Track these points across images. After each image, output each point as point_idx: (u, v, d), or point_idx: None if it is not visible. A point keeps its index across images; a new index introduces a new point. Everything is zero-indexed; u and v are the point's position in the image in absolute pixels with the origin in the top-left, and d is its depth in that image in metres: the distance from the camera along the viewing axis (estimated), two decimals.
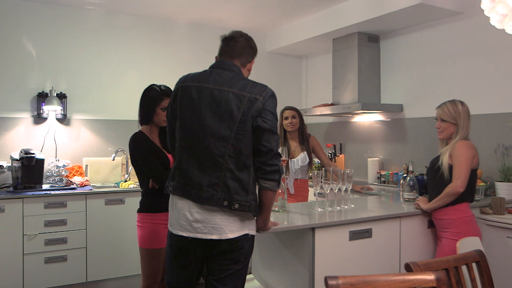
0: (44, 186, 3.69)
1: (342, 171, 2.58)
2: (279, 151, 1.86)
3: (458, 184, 2.41)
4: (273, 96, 1.87)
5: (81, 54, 4.19)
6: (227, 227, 1.80)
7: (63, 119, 4.09)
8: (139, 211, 2.46)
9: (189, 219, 1.83)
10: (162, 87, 2.48)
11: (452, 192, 2.43)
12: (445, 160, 2.50)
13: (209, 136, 1.81)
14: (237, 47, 1.95)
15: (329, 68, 4.65)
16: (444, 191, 2.47)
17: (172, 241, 1.92)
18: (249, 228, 1.87)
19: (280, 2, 4.08)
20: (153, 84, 2.51)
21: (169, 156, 2.47)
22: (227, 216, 1.80)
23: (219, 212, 1.80)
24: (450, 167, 2.48)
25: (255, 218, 1.93)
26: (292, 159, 3.34)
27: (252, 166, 1.82)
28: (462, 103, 2.56)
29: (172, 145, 2.02)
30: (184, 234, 1.84)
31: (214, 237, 1.79)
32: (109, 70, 4.31)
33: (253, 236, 1.90)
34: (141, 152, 2.40)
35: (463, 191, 2.42)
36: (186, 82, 1.92)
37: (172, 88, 2.53)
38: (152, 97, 2.44)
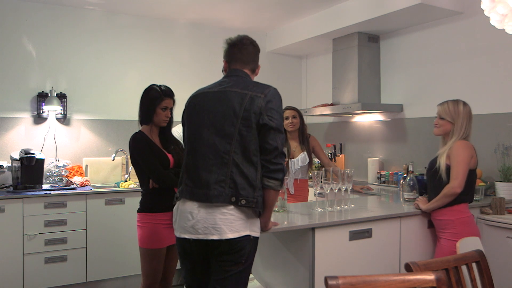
0: (44, 186, 3.69)
1: (342, 171, 2.58)
2: (284, 150, 1.87)
3: (455, 184, 2.41)
4: (277, 95, 1.90)
5: (81, 54, 4.19)
6: (228, 227, 1.79)
7: (63, 119, 4.09)
8: (139, 211, 2.47)
9: (190, 220, 1.83)
10: (162, 87, 2.48)
11: (450, 193, 2.43)
12: (442, 162, 2.50)
13: (213, 135, 1.84)
14: (249, 55, 2.01)
15: (329, 68, 4.65)
16: (442, 192, 2.47)
17: (177, 244, 1.96)
18: (251, 230, 1.86)
19: (280, 2, 4.08)
20: (153, 84, 2.51)
21: (169, 156, 2.47)
22: (228, 216, 1.80)
23: (219, 212, 1.80)
24: (448, 168, 2.48)
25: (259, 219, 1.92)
26: (292, 159, 3.34)
27: (259, 163, 1.83)
28: (464, 103, 2.56)
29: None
30: (186, 236, 1.85)
31: (215, 237, 1.79)
32: (109, 70, 4.31)
33: (256, 238, 1.89)
34: (141, 152, 2.41)
35: (460, 191, 2.42)
36: (193, 94, 2.02)
37: (172, 88, 2.56)
38: (152, 97, 2.44)
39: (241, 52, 2.00)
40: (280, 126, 1.85)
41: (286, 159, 3.01)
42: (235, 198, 1.79)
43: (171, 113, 2.52)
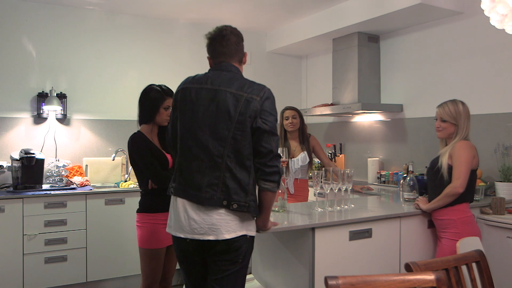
0: (44, 186, 3.69)
1: (342, 171, 2.58)
2: (279, 152, 1.86)
3: (457, 184, 2.41)
4: (271, 96, 1.86)
5: (81, 54, 4.19)
6: (224, 228, 1.79)
7: (63, 119, 4.09)
8: (138, 211, 2.47)
9: (186, 219, 1.83)
10: (163, 87, 2.50)
11: (452, 193, 2.43)
12: (444, 161, 2.50)
13: (207, 136, 1.81)
14: (232, 46, 1.93)
15: (329, 68, 4.65)
16: (444, 191, 2.47)
17: (174, 245, 1.95)
18: (248, 229, 1.86)
19: (280, 2, 4.08)
20: (152, 84, 2.51)
21: (168, 156, 2.47)
22: (224, 216, 1.80)
23: (216, 212, 1.80)
24: (450, 168, 2.48)
25: (255, 219, 1.92)
26: (292, 159, 3.34)
27: (252, 167, 1.82)
28: (463, 103, 2.56)
29: (174, 145, 2.00)
30: (182, 236, 1.85)
31: (211, 237, 1.79)
32: (109, 70, 4.31)
33: (252, 237, 1.89)
34: (140, 153, 2.40)
35: (462, 191, 2.42)
36: (185, 84, 1.94)
37: (172, 88, 2.55)
38: (155, 96, 2.45)
39: (222, 45, 1.91)
40: (274, 128, 1.82)
41: (286, 160, 3.01)
42: (227, 202, 1.78)
43: None
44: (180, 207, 1.86)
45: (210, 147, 1.81)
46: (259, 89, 1.84)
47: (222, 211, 1.80)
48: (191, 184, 1.83)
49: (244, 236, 1.84)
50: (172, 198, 1.93)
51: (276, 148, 1.82)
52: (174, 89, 2.53)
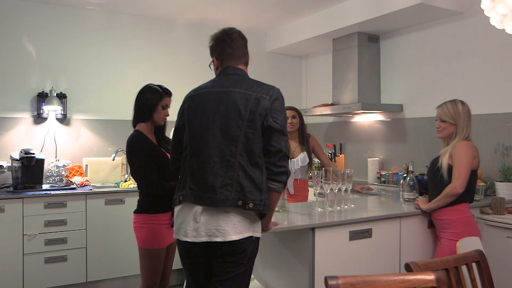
0: (44, 186, 3.69)
1: (342, 171, 2.58)
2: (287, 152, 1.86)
3: (457, 184, 2.41)
4: (281, 96, 1.87)
5: (81, 54, 4.19)
6: (231, 229, 1.78)
7: (63, 119, 4.09)
8: (138, 212, 2.45)
9: (194, 224, 1.81)
10: (162, 86, 2.51)
11: (452, 193, 2.43)
12: (444, 161, 2.50)
13: (219, 137, 1.81)
14: (240, 49, 1.95)
15: (329, 68, 4.65)
16: (444, 191, 2.47)
17: (178, 246, 1.94)
18: (254, 230, 1.85)
19: (280, 2, 4.08)
20: (150, 84, 2.51)
21: (169, 155, 2.46)
22: (232, 217, 1.79)
23: (223, 214, 1.78)
24: (450, 168, 2.48)
25: (260, 220, 1.90)
26: (292, 159, 3.34)
27: (264, 165, 1.81)
28: (463, 103, 2.56)
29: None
30: (189, 240, 1.82)
31: (218, 239, 1.78)
32: (109, 70, 4.31)
33: (257, 238, 1.88)
34: (138, 154, 2.38)
35: (462, 191, 2.42)
36: (191, 93, 1.96)
37: (172, 88, 2.56)
38: (153, 94, 2.45)
39: (231, 47, 1.93)
40: (284, 127, 1.83)
41: None
42: (242, 202, 1.76)
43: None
44: (189, 213, 1.83)
45: (222, 147, 1.80)
46: (268, 88, 1.85)
47: (230, 211, 1.78)
48: (204, 187, 1.80)
49: (250, 237, 1.83)
50: (183, 205, 1.87)
51: (285, 148, 1.81)
52: (173, 89, 2.56)
